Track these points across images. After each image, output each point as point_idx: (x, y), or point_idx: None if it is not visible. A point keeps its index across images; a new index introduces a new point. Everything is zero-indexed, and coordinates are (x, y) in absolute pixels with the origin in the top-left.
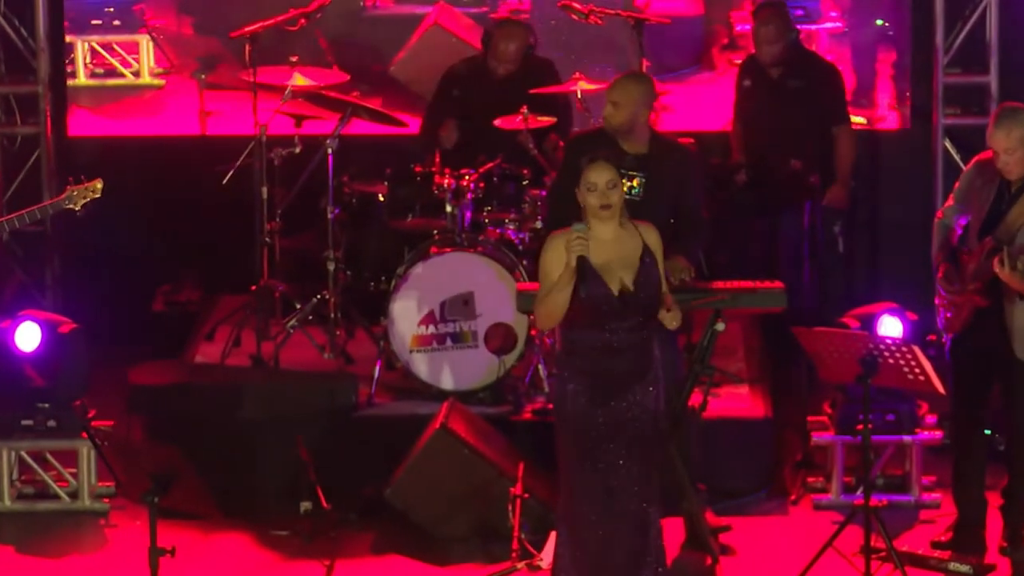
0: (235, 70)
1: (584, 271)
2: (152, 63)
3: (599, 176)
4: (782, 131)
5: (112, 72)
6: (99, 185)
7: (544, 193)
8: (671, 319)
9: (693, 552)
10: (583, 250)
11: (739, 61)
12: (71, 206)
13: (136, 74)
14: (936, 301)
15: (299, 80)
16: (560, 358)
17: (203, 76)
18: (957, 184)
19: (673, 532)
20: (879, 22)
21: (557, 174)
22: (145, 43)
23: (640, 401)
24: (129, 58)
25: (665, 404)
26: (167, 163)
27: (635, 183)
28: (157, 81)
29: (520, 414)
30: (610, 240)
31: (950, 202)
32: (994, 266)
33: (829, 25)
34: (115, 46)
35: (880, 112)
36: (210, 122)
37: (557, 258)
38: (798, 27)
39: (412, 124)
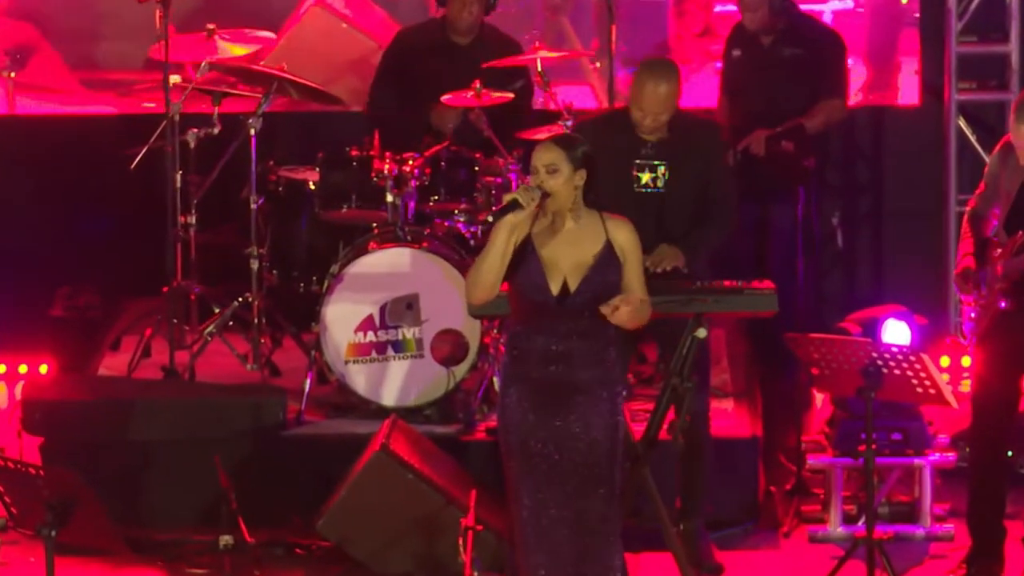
0: (55, 64)
1: (522, 249)
2: None
3: (538, 157)
4: (775, 106)
5: None
6: None
7: (499, 180)
8: (621, 312)
9: None
10: (522, 199)
11: (717, 49)
12: None
13: None
14: (963, 299)
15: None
16: (504, 363)
17: (12, 74)
18: (987, 168)
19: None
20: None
21: None
22: None
23: (589, 418)
24: None
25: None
26: (64, 145)
27: (658, 172)
28: None
29: (472, 433)
30: (561, 234)
31: (981, 188)
32: None
33: (836, 5)
34: None
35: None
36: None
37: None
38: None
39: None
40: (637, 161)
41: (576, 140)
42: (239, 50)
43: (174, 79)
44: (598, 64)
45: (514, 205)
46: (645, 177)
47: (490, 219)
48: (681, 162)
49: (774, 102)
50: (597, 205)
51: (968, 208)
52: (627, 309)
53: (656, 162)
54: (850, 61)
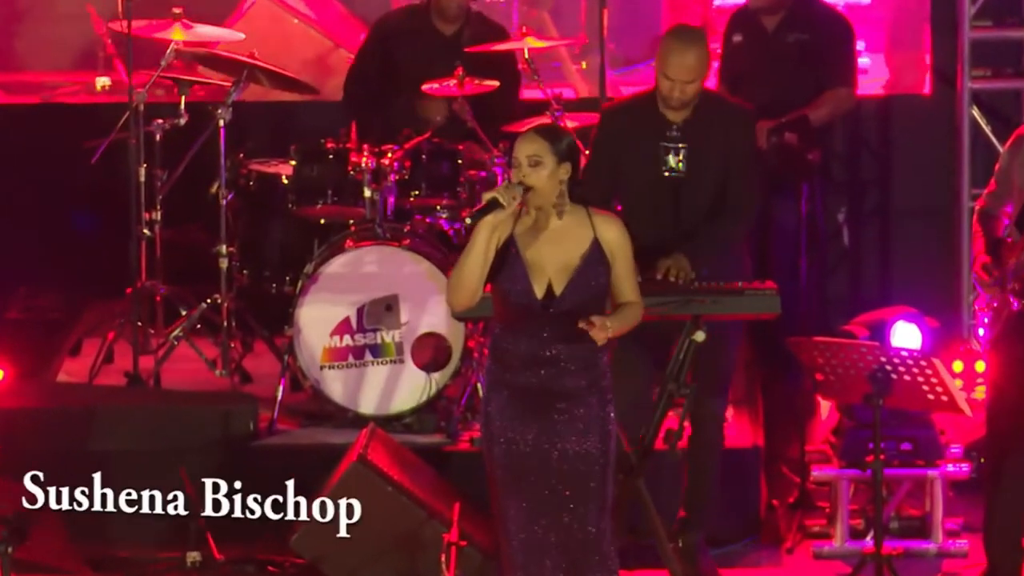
0: None
1: (504, 249)
2: None
3: (520, 149)
4: (778, 95)
5: None
6: None
7: (484, 174)
8: (598, 333)
9: None
10: (502, 198)
11: (715, 48)
12: None
13: None
14: (976, 305)
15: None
16: (487, 368)
17: None
18: (998, 165)
19: None
20: None
21: (590, 153)
22: None
23: (579, 427)
24: None
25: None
26: (20, 137)
27: (680, 156)
28: None
29: (455, 443)
30: (547, 233)
31: (992, 186)
32: None
33: None
34: None
35: None
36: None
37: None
38: None
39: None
40: (663, 143)
41: (561, 131)
42: (179, 36)
43: (103, 81)
44: (584, 65)
45: (494, 205)
46: (671, 160)
47: (468, 221)
48: (704, 145)
49: (777, 91)
50: (584, 200)
51: (977, 206)
52: (600, 333)
53: (680, 144)
54: (868, 60)
